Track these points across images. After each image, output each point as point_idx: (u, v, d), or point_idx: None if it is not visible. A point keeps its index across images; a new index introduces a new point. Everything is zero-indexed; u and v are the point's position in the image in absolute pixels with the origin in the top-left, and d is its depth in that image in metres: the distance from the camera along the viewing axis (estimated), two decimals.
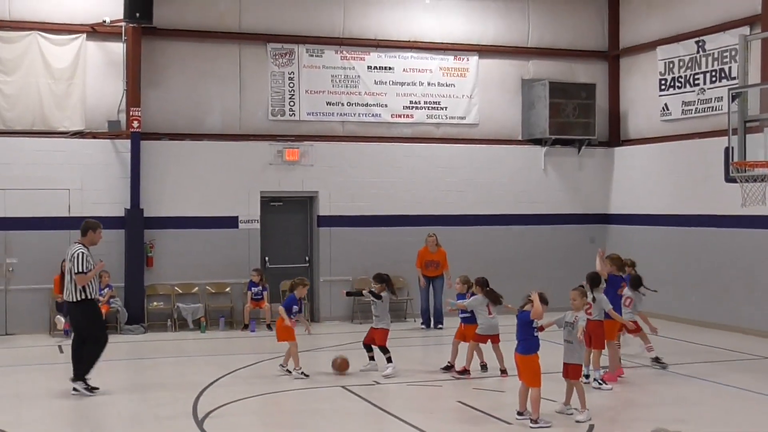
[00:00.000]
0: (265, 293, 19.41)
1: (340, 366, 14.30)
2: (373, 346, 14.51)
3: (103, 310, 17.96)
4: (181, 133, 19.63)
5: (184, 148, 19.57)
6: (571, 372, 11.63)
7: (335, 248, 20.53)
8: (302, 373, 14.01)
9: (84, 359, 12.99)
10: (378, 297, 14.53)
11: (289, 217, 20.76)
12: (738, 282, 18.71)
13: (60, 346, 17.04)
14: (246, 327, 19.08)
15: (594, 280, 13.55)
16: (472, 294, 14.24)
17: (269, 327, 19.00)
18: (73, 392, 12.81)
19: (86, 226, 13.49)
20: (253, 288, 19.27)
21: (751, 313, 18.36)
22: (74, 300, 13.00)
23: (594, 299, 13.29)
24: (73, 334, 13.46)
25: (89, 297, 13.02)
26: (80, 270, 12.87)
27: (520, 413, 11.19)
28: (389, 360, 14.22)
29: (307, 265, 20.73)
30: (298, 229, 20.86)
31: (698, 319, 19.45)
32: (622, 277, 14.45)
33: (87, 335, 13.09)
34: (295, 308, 14.47)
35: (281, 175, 20.23)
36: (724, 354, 16.17)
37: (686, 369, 14.60)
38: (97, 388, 13.02)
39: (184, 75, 19.74)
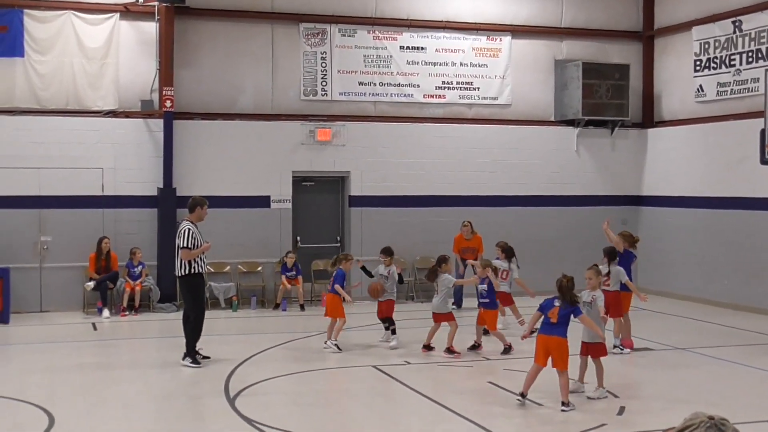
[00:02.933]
0: (299, 276, 19.41)
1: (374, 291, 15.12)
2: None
3: (138, 288, 18.24)
4: (213, 112, 19.70)
5: (217, 127, 19.63)
6: (593, 350, 11.67)
7: (366, 228, 20.55)
8: (336, 345, 14.45)
9: (187, 335, 13.42)
10: (386, 276, 15.29)
11: (321, 197, 20.80)
12: None
13: (94, 324, 17.21)
14: (278, 306, 19.16)
15: (612, 253, 14.45)
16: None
17: (302, 307, 19.07)
18: (183, 365, 13.35)
19: (193, 203, 13.82)
20: (287, 273, 19.31)
21: None
22: (180, 274, 13.48)
23: (610, 272, 14.16)
24: (183, 310, 13.98)
25: (195, 272, 13.41)
26: (185, 245, 13.28)
27: (523, 395, 11.02)
28: (393, 332, 15.00)
29: (339, 245, 20.75)
30: (329, 209, 20.89)
31: (730, 301, 19.30)
32: (633, 253, 15.09)
33: (188, 308, 13.56)
34: (346, 284, 15.12)
35: (313, 155, 20.27)
36: (757, 337, 16.04)
37: (717, 352, 14.51)
38: (208, 357, 13.58)
39: (217, 55, 19.78)
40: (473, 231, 18.93)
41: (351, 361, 13.90)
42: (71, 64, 18.64)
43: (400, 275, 15.48)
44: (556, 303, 10.89)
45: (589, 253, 21.25)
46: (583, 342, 11.73)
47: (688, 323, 17.38)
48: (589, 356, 11.73)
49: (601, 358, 11.72)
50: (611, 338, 14.00)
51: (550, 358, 10.94)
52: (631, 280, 14.63)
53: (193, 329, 13.41)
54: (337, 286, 14.75)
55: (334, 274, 15.05)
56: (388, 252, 15.56)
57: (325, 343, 14.63)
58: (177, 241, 13.42)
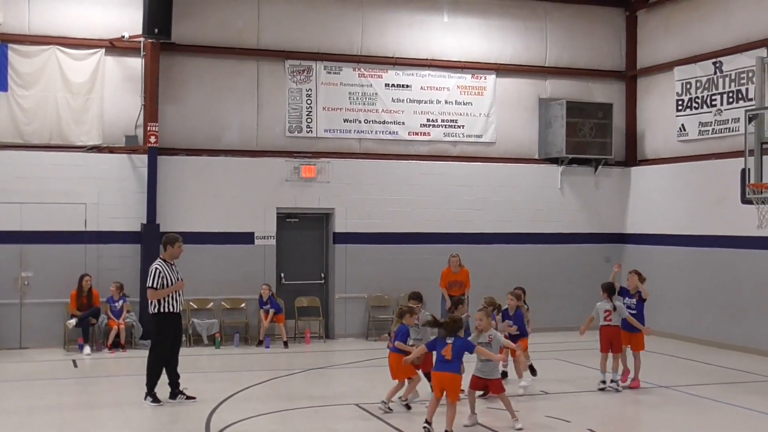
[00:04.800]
0: (281, 314, 19.29)
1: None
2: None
3: (122, 326, 18.12)
4: (198, 148, 19.70)
5: (201, 163, 19.62)
6: (494, 387, 12.16)
7: (351, 265, 20.52)
8: (406, 404, 13.02)
9: (148, 372, 13.25)
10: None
11: (305, 234, 20.77)
12: (753, 303, 18.61)
13: (74, 361, 17.09)
14: (261, 343, 19.07)
15: (611, 289, 14.47)
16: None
17: (286, 344, 19.01)
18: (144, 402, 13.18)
19: (166, 240, 13.65)
20: (263, 306, 19.24)
21: (766, 334, 18.24)
22: (151, 311, 13.35)
23: (614, 307, 14.24)
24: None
25: (165, 311, 13.20)
26: (150, 285, 13.12)
27: (428, 422, 11.37)
28: None
29: (323, 281, 20.73)
30: (313, 245, 20.86)
31: (713, 339, 19.33)
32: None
33: (153, 347, 13.37)
34: (410, 341, 12.84)
35: (297, 192, 20.26)
36: (740, 375, 16.05)
37: (701, 390, 14.50)
38: (194, 398, 13.40)
39: (202, 91, 19.82)
40: (461, 264, 18.90)
41: (333, 400, 13.82)
42: (55, 98, 18.62)
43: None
44: (449, 341, 11.36)
45: (573, 290, 21.42)
46: (475, 377, 12.07)
47: (671, 361, 17.38)
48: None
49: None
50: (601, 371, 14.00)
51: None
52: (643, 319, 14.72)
53: (152, 368, 13.23)
54: (397, 343, 12.79)
55: (395, 330, 13.13)
56: (418, 297, 14.17)
57: (384, 403, 12.81)
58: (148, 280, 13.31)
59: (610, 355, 14.36)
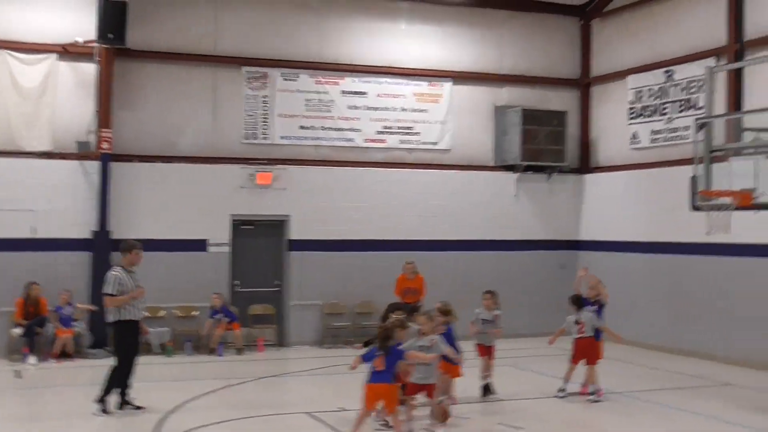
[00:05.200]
0: (236, 321, 19.19)
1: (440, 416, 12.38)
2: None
3: (69, 335, 17.88)
4: (152, 155, 19.55)
5: (155, 170, 19.48)
6: (430, 391, 11.88)
7: (306, 273, 20.48)
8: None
9: (106, 380, 13.05)
10: None
11: (260, 241, 20.68)
12: (704, 309, 18.81)
13: (19, 371, 16.75)
14: (213, 351, 18.95)
15: (578, 301, 14.54)
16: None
17: (239, 352, 18.91)
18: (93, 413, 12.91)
19: (125, 246, 13.51)
20: (214, 315, 19.12)
21: (717, 339, 18.44)
22: (110, 320, 13.12)
23: (580, 319, 14.29)
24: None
25: (125, 319, 13.01)
26: (108, 291, 12.96)
27: None
28: None
29: (278, 289, 20.65)
30: (269, 252, 20.75)
31: (667, 345, 19.50)
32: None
33: (116, 356, 13.19)
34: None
35: (253, 199, 20.18)
36: (692, 380, 16.22)
37: (655, 396, 14.62)
38: (142, 408, 13.16)
39: (158, 97, 19.69)
40: (416, 271, 18.88)
41: (285, 408, 13.76)
42: (5, 103, 18.35)
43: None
44: (380, 352, 11.06)
45: (529, 297, 21.51)
46: (412, 384, 11.74)
47: (625, 367, 17.49)
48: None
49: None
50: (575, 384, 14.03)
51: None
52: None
53: (112, 377, 13.07)
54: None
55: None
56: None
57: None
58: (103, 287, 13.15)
59: (581, 365, 14.33)
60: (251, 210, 20.22)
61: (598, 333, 14.53)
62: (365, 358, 11.27)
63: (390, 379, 11.14)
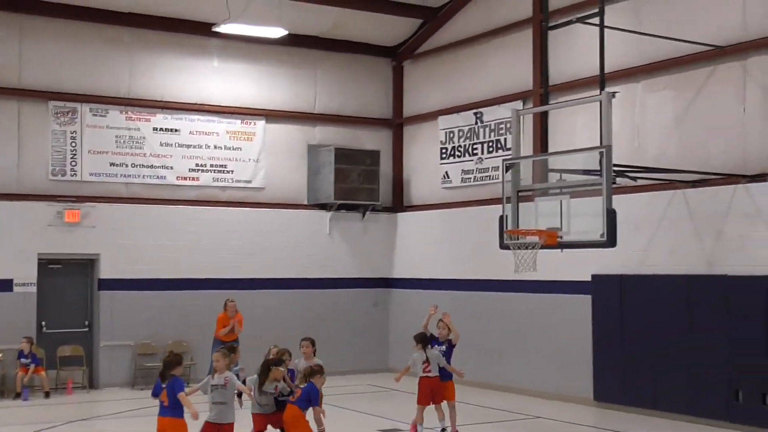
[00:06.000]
0: (34, 364, 18.46)
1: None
2: None
3: None
4: None
5: None
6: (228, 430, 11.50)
7: (117, 312, 19.98)
8: None
9: None
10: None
11: (69, 280, 20.05)
12: (513, 344, 19.43)
13: None
14: (18, 395, 18.19)
15: (423, 339, 14.33)
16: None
17: (47, 395, 18.25)
18: None
19: None
20: (22, 359, 18.42)
21: (524, 374, 19.08)
22: None
23: (428, 358, 14.09)
24: None
25: None
26: None
27: None
28: None
29: (87, 329, 20.05)
30: (77, 292, 20.15)
31: (476, 380, 19.94)
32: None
33: None
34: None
35: (61, 237, 19.56)
36: (504, 415, 16.66)
37: (466, 431, 14.92)
38: None
39: None
40: (236, 309, 18.76)
41: None
42: None
43: None
44: (164, 385, 11.02)
45: (343, 334, 21.66)
46: (207, 423, 11.29)
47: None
48: None
49: None
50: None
51: None
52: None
53: None
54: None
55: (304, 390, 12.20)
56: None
57: None
58: None
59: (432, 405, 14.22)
60: (59, 248, 19.58)
61: (444, 373, 14.35)
62: (153, 393, 11.30)
63: (179, 414, 10.92)
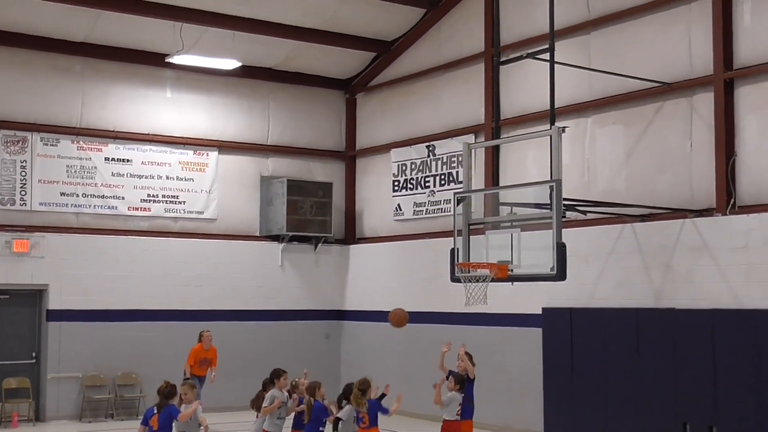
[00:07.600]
0: None
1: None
2: None
3: None
4: None
5: None
6: None
7: (65, 344, 19.72)
8: None
9: None
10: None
11: (16, 311, 19.79)
12: None
13: None
14: None
15: (462, 380, 13.92)
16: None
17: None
18: None
19: None
20: None
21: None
22: None
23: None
24: None
25: None
26: None
27: None
28: None
29: (34, 361, 19.77)
30: (25, 323, 19.88)
31: (427, 413, 19.93)
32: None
33: None
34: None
35: (9, 267, 19.32)
36: None
37: None
38: None
39: None
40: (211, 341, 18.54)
41: None
42: None
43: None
44: (155, 411, 11.32)
45: (293, 366, 21.46)
46: None
47: None
48: None
49: None
50: None
51: None
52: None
53: None
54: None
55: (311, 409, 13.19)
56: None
57: None
58: None
59: None
60: (7, 279, 19.34)
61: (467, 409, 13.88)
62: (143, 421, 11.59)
63: None
